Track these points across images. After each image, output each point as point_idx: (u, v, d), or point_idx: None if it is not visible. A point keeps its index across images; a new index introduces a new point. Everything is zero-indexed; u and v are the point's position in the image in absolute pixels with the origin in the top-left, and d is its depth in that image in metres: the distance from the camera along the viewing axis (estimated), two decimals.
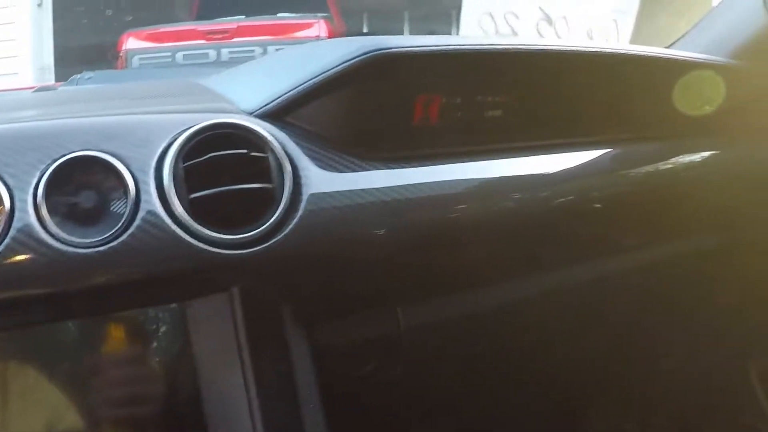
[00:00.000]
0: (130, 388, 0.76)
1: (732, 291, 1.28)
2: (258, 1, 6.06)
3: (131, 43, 5.26)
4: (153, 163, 0.71)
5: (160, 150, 0.72)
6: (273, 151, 0.75)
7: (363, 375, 0.91)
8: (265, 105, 0.80)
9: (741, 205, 1.21)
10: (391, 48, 0.79)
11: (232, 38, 5.15)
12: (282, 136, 0.78)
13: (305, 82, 0.79)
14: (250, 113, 0.80)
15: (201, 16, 6.23)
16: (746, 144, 1.21)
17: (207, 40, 5.28)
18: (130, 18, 6.14)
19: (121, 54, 5.13)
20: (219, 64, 4.67)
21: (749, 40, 1.18)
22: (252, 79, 0.92)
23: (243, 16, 5.69)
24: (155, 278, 0.70)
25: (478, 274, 0.94)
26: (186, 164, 0.72)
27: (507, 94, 0.92)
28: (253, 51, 4.87)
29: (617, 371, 1.31)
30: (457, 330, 0.98)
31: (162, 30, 5.42)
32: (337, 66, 0.78)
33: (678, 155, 1.13)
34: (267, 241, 0.73)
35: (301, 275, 0.78)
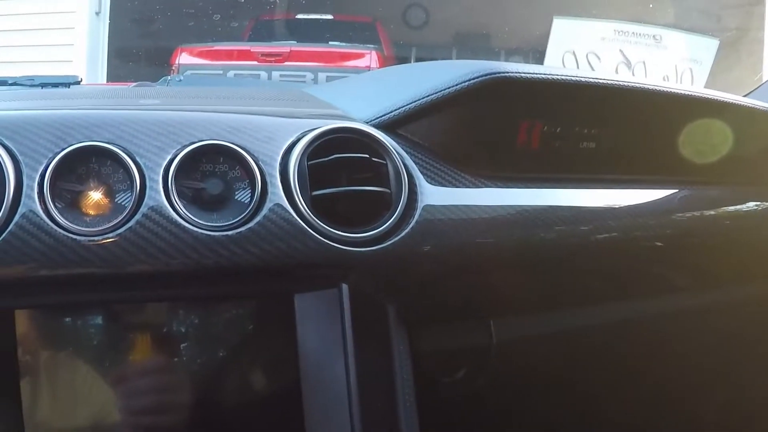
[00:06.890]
0: (236, 379, 0.78)
1: None
2: (309, 29, 6.17)
3: (184, 58, 5.37)
4: (279, 158, 0.76)
5: (284, 147, 0.77)
6: (392, 159, 0.80)
7: (453, 381, 0.94)
8: (381, 116, 0.85)
9: None
10: (506, 73, 0.83)
11: (284, 62, 5.22)
12: (396, 145, 0.82)
13: (421, 98, 0.84)
14: (366, 122, 0.84)
15: (253, 38, 6.34)
16: None
17: (259, 61, 5.34)
18: (179, 28, 6.30)
19: (173, 66, 5.24)
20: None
21: None
22: (362, 92, 0.97)
23: (295, 42, 5.78)
24: (273, 267, 0.74)
25: (566, 296, 0.97)
26: (309, 163, 0.76)
27: (602, 127, 0.96)
28: (304, 76, 4.96)
29: (687, 405, 1.30)
30: (543, 347, 1.01)
31: (215, 48, 5.53)
32: (454, 85, 0.83)
33: (745, 202, 1.14)
34: (382, 243, 0.77)
35: (409, 278, 0.82)
